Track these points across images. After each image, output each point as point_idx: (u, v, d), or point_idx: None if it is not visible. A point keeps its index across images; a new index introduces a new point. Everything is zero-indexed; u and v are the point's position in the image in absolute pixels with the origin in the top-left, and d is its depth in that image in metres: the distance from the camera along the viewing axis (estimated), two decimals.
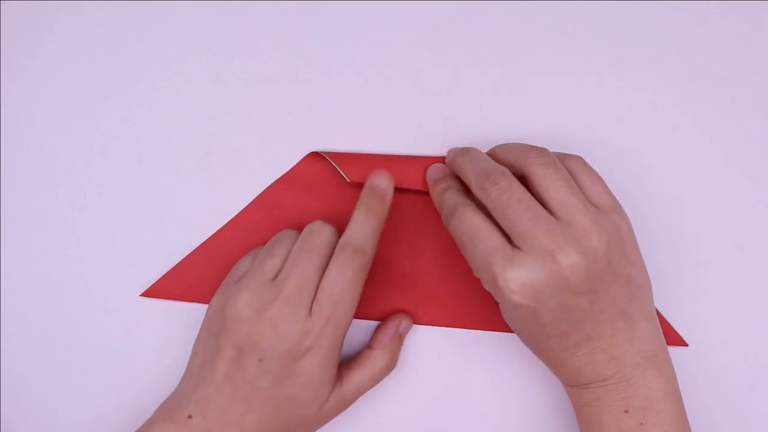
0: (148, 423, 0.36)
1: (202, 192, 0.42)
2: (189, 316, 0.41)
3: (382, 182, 0.39)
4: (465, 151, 0.38)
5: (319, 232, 0.36)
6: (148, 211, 0.42)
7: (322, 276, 0.35)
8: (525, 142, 0.39)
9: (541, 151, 0.35)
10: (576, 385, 0.36)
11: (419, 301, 0.41)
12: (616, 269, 0.34)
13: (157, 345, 0.41)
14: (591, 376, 0.35)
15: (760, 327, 0.40)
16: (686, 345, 0.40)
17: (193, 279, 0.41)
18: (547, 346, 0.35)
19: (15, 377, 0.42)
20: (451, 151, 0.40)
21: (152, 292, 0.41)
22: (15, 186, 0.42)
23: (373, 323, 0.41)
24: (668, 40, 0.42)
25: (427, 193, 0.40)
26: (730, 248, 0.41)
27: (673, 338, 0.40)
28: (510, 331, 0.38)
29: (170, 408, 0.36)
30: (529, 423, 0.41)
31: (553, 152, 0.36)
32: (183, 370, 0.38)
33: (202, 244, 0.41)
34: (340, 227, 0.41)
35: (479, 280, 0.36)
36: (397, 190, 0.40)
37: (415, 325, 0.41)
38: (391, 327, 0.39)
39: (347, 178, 0.41)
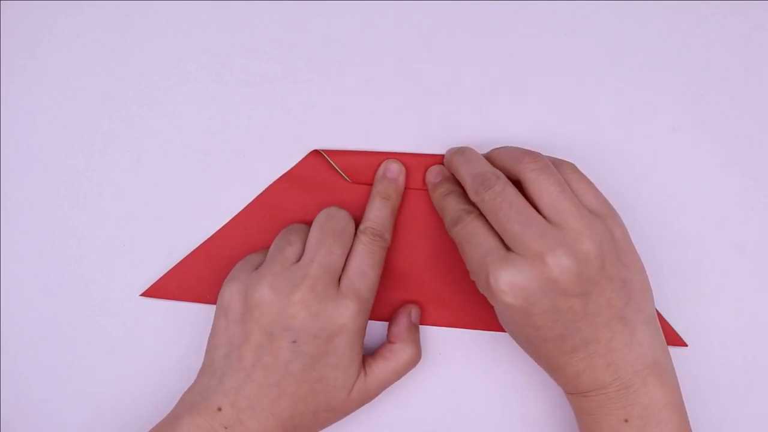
0: (174, 418, 0.35)
1: (202, 192, 0.42)
2: (189, 316, 0.41)
3: (395, 170, 0.40)
4: (461, 152, 0.38)
5: (338, 216, 0.38)
6: (148, 211, 0.42)
7: (346, 258, 0.37)
8: (525, 142, 0.39)
9: (534, 156, 0.36)
10: (576, 393, 0.36)
11: (419, 300, 0.41)
12: (610, 273, 0.34)
13: (157, 345, 0.41)
14: (590, 382, 0.35)
15: (760, 327, 0.40)
16: (686, 345, 0.40)
17: (193, 279, 0.41)
18: (544, 350, 0.35)
19: (15, 377, 0.42)
20: (448, 151, 0.40)
21: (152, 292, 0.41)
22: (15, 186, 0.42)
23: (373, 324, 0.41)
24: (668, 40, 0.42)
25: (427, 190, 0.40)
26: (730, 248, 0.41)
27: (673, 338, 0.40)
28: None
29: (195, 402, 0.35)
30: (529, 423, 0.41)
31: (547, 157, 0.36)
32: (183, 370, 0.38)
33: (202, 244, 0.41)
34: None
35: None
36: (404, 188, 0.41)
37: None
38: (404, 319, 0.39)
39: (347, 178, 0.41)
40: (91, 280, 0.42)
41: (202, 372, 0.37)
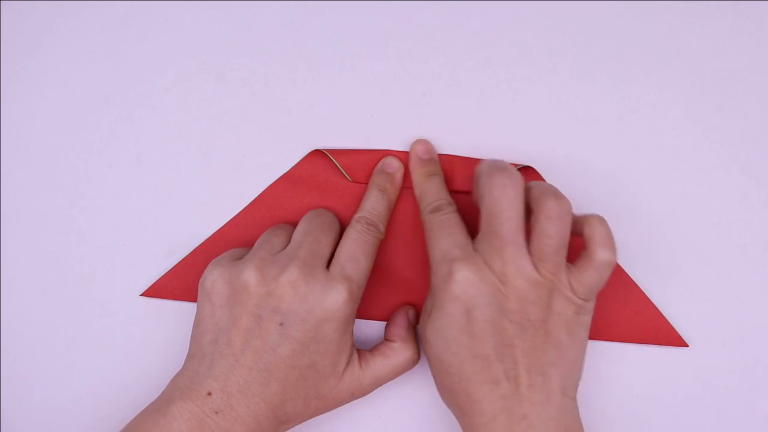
0: (165, 402, 0.35)
1: (202, 192, 0.42)
2: (189, 316, 0.41)
3: (393, 164, 0.40)
4: (500, 167, 0.37)
5: (325, 214, 0.39)
6: (148, 211, 0.42)
7: (338, 246, 0.37)
8: (526, 142, 0.40)
9: (560, 202, 0.35)
10: None
11: (418, 300, 0.41)
12: (552, 327, 0.34)
13: (157, 345, 0.41)
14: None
15: (760, 327, 0.40)
16: (686, 345, 0.40)
17: (193, 279, 0.41)
18: (467, 373, 0.34)
19: (15, 377, 0.42)
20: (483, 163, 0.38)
21: (152, 292, 0.41)
22: (15, 186, 0.42)
23: (373, 324, 0.41)
24: (668, 40, 0.42)
25: None
26: (730, 248, 0.41)
27: (673, 338, 0.40)
28: None
29: (185, 387, 0.35)
30: None
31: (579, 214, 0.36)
32: None
33: (202, 244, 0.41)
34: (342, 226, 0.41)
35: None
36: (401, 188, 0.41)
37: (415, 326, 0.41)
38: (402, 319, 0.39)
39: (349, 178, 0.41)
40: (91, 280, 0.42)
41: (190, 358, 0.36)
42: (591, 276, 0.35)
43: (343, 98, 0.42)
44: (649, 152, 0.41)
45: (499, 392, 0.34)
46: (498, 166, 0.36)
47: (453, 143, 0.41)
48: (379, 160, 0.41)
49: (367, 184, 0.41)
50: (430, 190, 0.38)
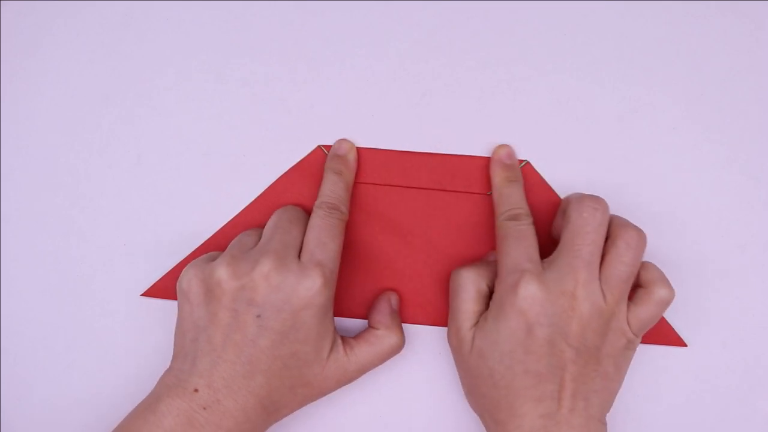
0: (154, 400, 0.35)
1: (202, 192, 0.42)
2: None
3: (344, 147, 0.41)
4: (591, 195, 0.38)
5: (293, 209, 0.39)
6: (148, 211, 0.42)
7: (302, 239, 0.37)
8: (526, 142, 0.40)
9: (641, 235, 0.36)
10: None
11: (419, 300, 0.41)
12: (604, 357, 0.35)
13: (158, 345, 0.41)
14: None
15: (760, 327, 0.40)
16: (686, 345, 0.40)
17: None
18: (515, 386, 0.35)
19: (15, 377, 0.42)
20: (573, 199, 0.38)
21: (152, 292, 0.41)
22: (15, 186, 0.42)
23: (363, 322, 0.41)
24: (668, 40, 0.42)
25: (431, 189, 0.40)
26: (730, 248, 0.41)
27: (673, 338, 0.40)
28: None
29: (172, 385, 0.35)
30: None
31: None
32: None
33: (202, 244, 0.41)
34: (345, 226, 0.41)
35: None
36: (399, 186, 0.40)
37: (415, 325, 0.41)
38: (385, 306, 0.40)
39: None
40: (91, 280, 0.42)
41: (175, 357, 0.37)
42: (648, 311, 0.36)
43: (343, 98, 0.42)
44: (649, 152, 0.41)
45: (541, 410, 0.34)
46: (589, 195, 0.37)
47: (453, 143, 0.41)
48: (379, 159, 0.41)
49: (366, 183, 0.41)
50: (510, 197, 0.39)
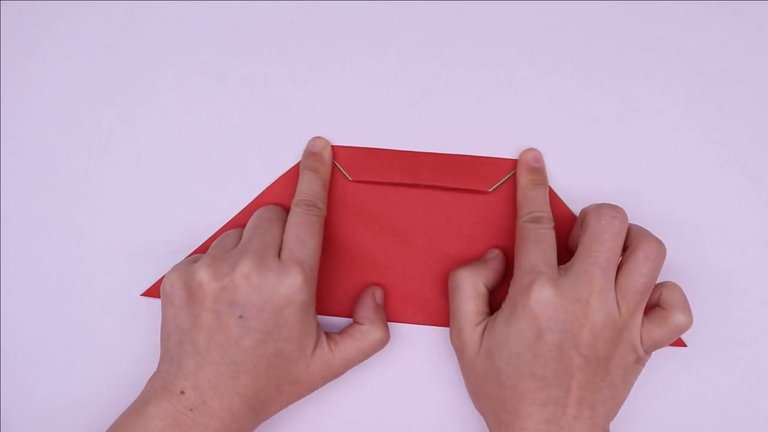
0: (142, 403, 0.35)
1: (202, 192, 0.42)
2: None
3: (318, 144, 0.41)
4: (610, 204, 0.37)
5: (272, 208, 0.39)
6: (148, 211, 0.42)
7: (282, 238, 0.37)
8: (526, 142, 0.39)
9: (661, 246, 0.36)
10: None
11: (419, 300, 0.41)
12: (613, 368, 0.35)
13: (157, 345, 0.41)
14: None
15: (760, 327, 0.40)
16: (685, 345, 0.40)
17: None
18: (521, 389, 0.35)
19: (15, 377, 0.42)
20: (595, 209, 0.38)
21: (152, 292, 0.41)
22: (15, 186, 0.42)
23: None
24: (668, 40, 0.42)
25: (431, 189, 0.40)
26: (730, 248, 0.41)
27: None
28: None
29: (159, 388, 0.35)
30: None
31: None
32: None
33: (202, 244, 0.41)
34: (342, 225, 0.41)
35: None
36: (399, 186, 0.40)
37: (414, 325, 0.41)
38: (369, 301, 0.40)
39: (349, 177, 0.41)
40: (91, 280, 0.42)
41: (161, 360, 0.37)
42: (662, 334, 0.36)
43: (343, 98, 0.42)
44: (649, 152, 0.41)
45: (546, 415, 0.34)
46: (608, 203, 0.37)
47: (453, 143, 0.41)
48: (379, 159, 0.41)
49: (366, 183, 0.41)
50: (534, 200, 0.38)
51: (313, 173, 0.40)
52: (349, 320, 0.41)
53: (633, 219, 0.37)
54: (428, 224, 0.41)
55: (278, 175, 0.42)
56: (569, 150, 0.41)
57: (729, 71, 0.41)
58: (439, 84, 0.42)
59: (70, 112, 0.43)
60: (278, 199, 0.41)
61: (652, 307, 0.36)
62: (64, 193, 0.42)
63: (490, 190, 0.40)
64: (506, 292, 0.37)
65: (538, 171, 0.40)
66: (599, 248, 0.35)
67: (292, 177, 0.41)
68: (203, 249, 0.41)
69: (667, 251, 0.40)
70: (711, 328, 0.40)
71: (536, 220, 0.37)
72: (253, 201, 0.42)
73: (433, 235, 0.41)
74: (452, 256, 0.41)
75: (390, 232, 0.41)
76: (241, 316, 0.35)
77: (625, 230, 0.36)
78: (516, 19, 0.42)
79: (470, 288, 0.37)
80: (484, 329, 0.37)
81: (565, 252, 0.39)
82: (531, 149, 0.41)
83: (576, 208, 0.41)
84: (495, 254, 0.39)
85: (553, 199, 0.40)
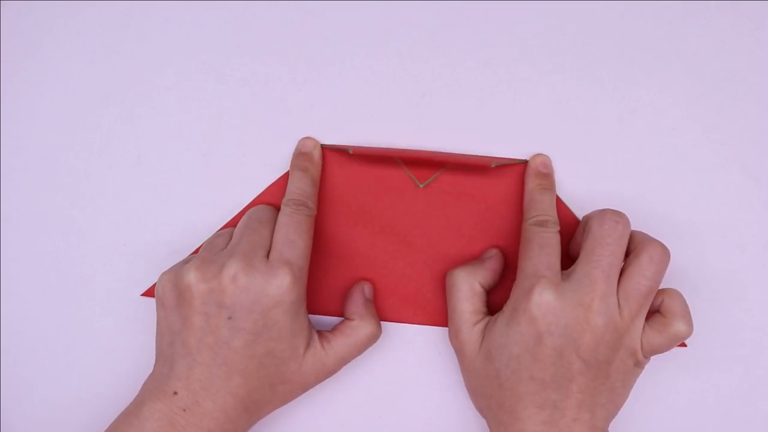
0: (137, 405, 0.36)
1: (202, 192, 0.42)
2: None
3: (308, 144, 0.41)
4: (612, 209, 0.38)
5: (262, 208, 0.39)
6: (148, 211, 0.42)
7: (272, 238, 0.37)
8: (525, 142, 0.39)
9: (665, 250, 0.36)
10: None
11: (419, 300, 0.41)
12: (613, 372, 0.35)
13: None
14: None
15: (760, 327, 0.40)
16: (685, 346, 0.40)
17: None
18: (519, 391, 0.35)
19: (15, 377, 0.42)
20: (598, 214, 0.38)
21: (152, 293, 0.41)
22: (15, 186, 0.42)
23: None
24: (668, 40, 0.42)
25: (431, 189, 0.40)
26: (730, 248, 0.41)
27: None
28: None
29: (153, 389, 0.36)
30: None
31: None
32: None
33: (202, 244, 0.41)
34: (341, 224, 0.41)
35: None
36: (399, 186, 0.40)
37: (414, 325, 0.41)
38: (359, 295, 0.40)
39: (350, 150, 0.40)
40: (91, 280, 0.42)
41: (156, 362, 0.37)
42: (662, 341, 0.36)
43: (343, 98, 0.42)
44: (649, 152, 0.41)
45: (544, 416, 0.34)
46: (611, 209, 0.37)
47: (453, 143, 0.41)
48: (379, 158, 0.41)
49: (366, 182, 0.41)
50: (541, 203, 0.38)
51: (303, 173, 0.40)
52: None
53: (633, 219, 0.37)
54: (428, 224, 0.41)
55: (278, 175, 0.42)
56: (569, 150, 0.41)
57: (729, 71, 0.41)
58: (439, 84, 0.42)
59: (70, 112, 0.43)
60: (277, 200, 0.41)
61: (653, 313, 0.36)
62: (64, 193, 0.42)
63: (493, 165, 0.40)
64: (506, 292, 0.37)
65: (546, 176, 0.40)
66: (602, 252, 0.35)
67: None
68: None
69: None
70: (711, 328, 0.40)
71: (541, 224, 0.37)
72: (253, 201, 0.42)
73: (432, 235, 0.41)
74: (452, 256, 0.41)
75: (390, 232, 0.41)
76: (230, 318, 0.35)
77: (628, 235, 0.36)
78: (516, 19, 0.42)
79: (466, 288, 0.37)
80: (483, 329, 0.37)
81: (567, 258, 0.39)
82: (539, 155, 0.41)
83: (576, 208, 0.41)
84: (493, 254, 0.39)
85: (557, 203, 0.40)
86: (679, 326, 0.35)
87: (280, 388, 0.37)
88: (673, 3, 0.42)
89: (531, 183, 0.40)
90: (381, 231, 0.41)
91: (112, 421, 0.36)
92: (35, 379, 0.42)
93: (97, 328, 0.42)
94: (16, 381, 0.42)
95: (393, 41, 0.42)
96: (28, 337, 0.42)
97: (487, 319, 0.37)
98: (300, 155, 0.41)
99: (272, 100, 0.42)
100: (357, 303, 0.39)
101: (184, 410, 0.35)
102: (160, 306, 0.37)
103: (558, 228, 0.37)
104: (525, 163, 0.41)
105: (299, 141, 0.41)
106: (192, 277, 0.36)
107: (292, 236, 0.37)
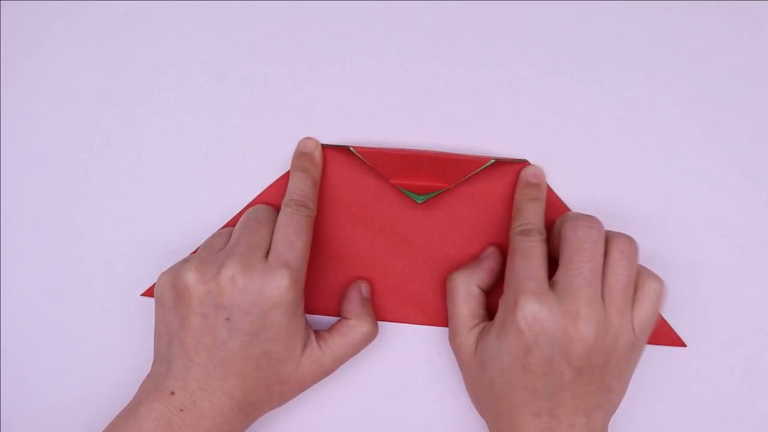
0: (134, 405, 0.36)
1: (202, 192, 0.42)
2: None
3: (309, 145, 0.41)
4: (584, 214, 0.38)
5: (263, 208, 0.39)
6: (148, 211, 0.42)
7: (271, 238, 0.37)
8: (526, 142, 0.39)
9: (631, 240, 0.36)
10: None
11: (419, 301, 0.41)
12: (608, 373, 0.35)
13: None
14: None
15: (760, 327, 0.40)
16: (684, 346, 0.40)
17: None
18: (513, 401, 0.35)
19: (15, 377, 0.42)
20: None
21: (152, 292, 0.41)
22: (15, 186, 0.43)
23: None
24: (668, 40, 0.42)
25: (431, 189, 0.40)
26: (730, 248, 0.41)
27: (672, 339, 0.40)
28: None
29: (150, 389, 0.36)
30: None
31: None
32: None
33: (202, 244, 0.41)
34: (341, 225, 0.41)
35: None
36: (399, 186, 0.40)
37: (414, 325, 0.41)
38: (355, 294, 0.40)
39: (353, 150, 0.40)
40: (91, 280, 0.42)
41: (154, 362, 0.37)
42: (647, 307, 0.35)
43: (343, 98, 0.42)
44: (649, 152, 0.41)
45: (540, 424, 0.34)
46: (582, 214, 0.37)
47: (453, 143, 0.41)
48: (379, 158, 0.41)
49: (366, 182, 0.41)
50: (527, 212, 0.38)
51: (304, 173, 0.40)
52: None
53: (632, 219, 0.37)
54: (428, 224, 0.41)
55: (278, 175, 0.42)
56: (569, 150, 0.41)
57: (729, 71, 0.41)
58: (439, 84, 0.42)
59: (70, 112, 0.43)
60: (277, 200, 0.41)
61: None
62: (64, 193, 0.42)
63: (491, 161, 0.40)
64: None
65: (536, 186, 0.40)
66: (581, 259, 0.35)
67: None
68: None
69: (667, 251, 0.41)
70: (711, 328, 0.40)
71: (525, 233, 0.37)
72: (253, 201, 0.42)
73: (432, 235, 0.41)
74: (452, 256, 0.41)
75: (390, 232, 0.41)
76: (227, 319, 0.35)
77: (603, 238, 0.36)
78: (516, 19, 0.42)
79: (463, 291, 0.38)
80: (479, 334, 0.37)
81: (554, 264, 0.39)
82: (532, 166, 0.40)
83: (576, 209, 0.41)
84: (490, 253, 0.39)
85: (555, 202, 0.40)
86: (651, 285, 0.35)
87: (277, 388, 0.37)
88: (673, 3, 0.42)
89: (519, 193, 0.40)
90: (381, 231, 0.41)
91: (111, 421, 0.36)
92: (35, 379, 0.42)
93: (97, 328, 0.42)
94: (16, 381, 0.42)
95: (393, 41, 0.42)
96: (28, 337, 0.42)
97: (484, 323, 0.37)
98: (301, 156, 0.41)
99: (272, 100, 0.42)
100: (354, 302, 0.39)
101: (182, 410, 0.35)
102: (159, 306, 0.37)
103: (543, 237, 0.37)
104: (525, 162, 0.41)
105: (300, 141, 0.41)
106: (190, 277, 0.36)
107: (291, 237, 0.37)
